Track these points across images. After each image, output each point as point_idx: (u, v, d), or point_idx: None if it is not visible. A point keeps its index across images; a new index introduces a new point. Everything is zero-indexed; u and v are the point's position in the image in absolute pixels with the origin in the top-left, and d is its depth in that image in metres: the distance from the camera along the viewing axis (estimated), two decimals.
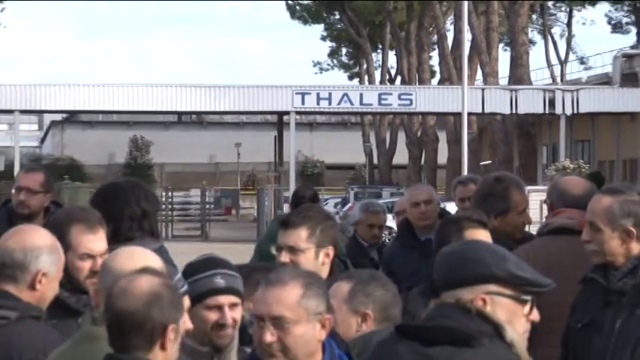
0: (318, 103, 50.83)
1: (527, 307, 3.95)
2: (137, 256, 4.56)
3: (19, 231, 5.13)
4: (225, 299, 4.97)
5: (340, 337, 4.70)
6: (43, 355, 4.63)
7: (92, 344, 4.39)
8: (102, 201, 6.63)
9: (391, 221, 13.74)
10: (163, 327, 4.16)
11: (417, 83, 60.35)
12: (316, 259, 5.95)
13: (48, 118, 73.83)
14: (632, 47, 56.41)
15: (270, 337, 4.02)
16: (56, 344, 4.61)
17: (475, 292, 4.01)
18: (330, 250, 6.13)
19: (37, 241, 4.95)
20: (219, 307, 4.95)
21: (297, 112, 51.96)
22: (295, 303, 4.06)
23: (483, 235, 6.28)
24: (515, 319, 4.00)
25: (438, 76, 62.38)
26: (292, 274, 4.14)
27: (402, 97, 51.64)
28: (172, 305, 4.22)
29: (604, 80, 54.10)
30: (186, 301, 4.37)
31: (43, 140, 79.32)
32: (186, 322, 4.22)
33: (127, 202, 6.53)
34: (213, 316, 5.00)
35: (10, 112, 49.23)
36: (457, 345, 4.04)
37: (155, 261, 4.50)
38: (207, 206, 57.32)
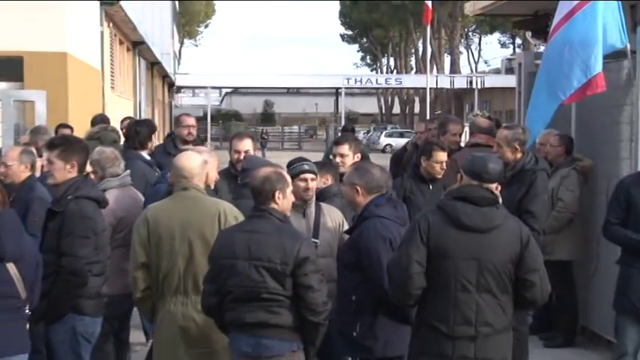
0: (355, 83, 76.63)
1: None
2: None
3: (192, 150, 7.50)
4: (308, 175, 7.26)
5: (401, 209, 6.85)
6: None
7: (184, 197, 6.73)
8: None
9: None
10: (272, 192, 6.13)
11: (405, 72, 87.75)
12: (352, 160, 8.64)
13: (224, 91, 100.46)
14: (511, 55, 77.10)
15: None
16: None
17: (493, 185, 6.02)
18: (359, 156, 8.86)
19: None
20: (305, 180, 7.22)
21: (345, 88, 74.94)
22: (346, 176, 6.85)
23: (443, 153, 9.22)
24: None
25: (414, 69, 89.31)
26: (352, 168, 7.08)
27: (397, 79, 79.53)
28: (277, 181, 6.19)
29: (497, 71, 77.55)
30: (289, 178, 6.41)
31: (221, 102, 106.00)
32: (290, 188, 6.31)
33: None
34: (302, 184, 7.20)
35: (205, 87, 77.96)
36: (494, 205, 5.95)
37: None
38: (301, 134, 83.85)
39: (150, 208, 6.80)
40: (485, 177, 5.97)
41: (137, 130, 10.54)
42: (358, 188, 6.63)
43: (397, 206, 6.77)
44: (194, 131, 11.02)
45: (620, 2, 9.77)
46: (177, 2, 64.82)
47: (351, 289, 6.34)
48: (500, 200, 6.09)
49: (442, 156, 9.19)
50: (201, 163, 6.79)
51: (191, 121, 11.15)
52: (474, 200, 5.93)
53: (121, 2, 25.98)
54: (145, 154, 10.29)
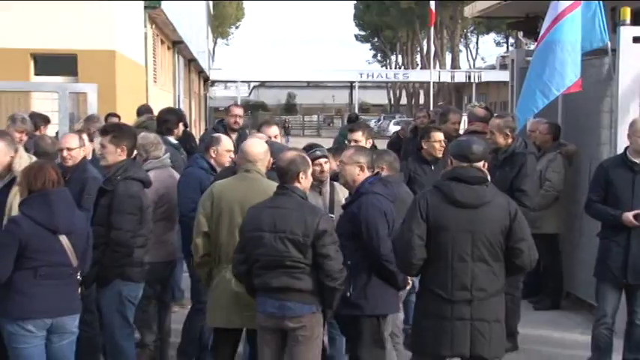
0: (367, 77, 77.57)
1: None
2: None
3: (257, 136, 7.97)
4: (321, 160, 7.39)
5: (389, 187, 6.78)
6: None
7: (246, 178, 6.76)
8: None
9: None
10: (297, 173, 6.20)
11: (411, 68, 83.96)
12: (365, 145, 8.44)
13: (252, 84, 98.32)
14: (505, 52, 74.40)
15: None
16: None
17: (482, 162, 6.09)
18: (370, 142, 8.93)
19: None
20: (320, 164, 7.34)
21: (359, 82, 76.12)
22: (349, 157, 6.70)
23: (439, 133, 9.43)
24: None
25: (419, 65, 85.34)
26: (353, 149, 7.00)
27: (404, 74, 78.32)
28: (301, 163, 6.24)
29: (492, 67, 74.91)
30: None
31: (249, 94, 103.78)
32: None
33: None
34: (318, 168, 7.26)
35: (235, 81, 76.81)
36: (483, 184, 6.00)
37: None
38: (319, 122, 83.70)
39: (215, 185, 6.82)
40: (472, 157, 6.02)
41: (166, 118, 10.56)
42: (363, 165, 6.61)
43: (387, 185, 6.78)
44: (240, 120, 11.09)
45: (602, 4, 9.71)
46: (211, 6, 64.37)
47: (347, 255, 6.32)
48: (489, 178, 6.13)
49: (439, 135, 9.30)
50: (265, 150, 6.80)
51: (238, 111, 11.26)
52: (466, 180, 5.97)
53: (162, 6, 26.24)
54: (172, 138, 10.26)
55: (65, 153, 7.93)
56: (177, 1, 30.54)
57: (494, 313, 5.97)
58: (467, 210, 5.93)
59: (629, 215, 7.75)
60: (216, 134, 8.80)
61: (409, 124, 14.21)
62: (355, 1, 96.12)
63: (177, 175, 8.50)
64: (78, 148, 8.01)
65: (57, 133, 11.42)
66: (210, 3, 62.78)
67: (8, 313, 6.06)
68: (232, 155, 7.99)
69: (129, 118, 13.75)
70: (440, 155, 9.30)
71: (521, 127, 9.99)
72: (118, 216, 6.87)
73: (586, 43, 9.63)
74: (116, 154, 7.08)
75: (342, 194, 7.27)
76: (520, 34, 19.58)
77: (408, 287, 7.14)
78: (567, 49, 9.69)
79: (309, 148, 7.30)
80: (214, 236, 6.65)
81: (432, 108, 21.00)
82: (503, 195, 6.19)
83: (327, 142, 8.83)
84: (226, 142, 8.25)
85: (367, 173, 6.65)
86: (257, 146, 6.82)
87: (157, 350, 8.47)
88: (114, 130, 7.33)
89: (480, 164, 6.08)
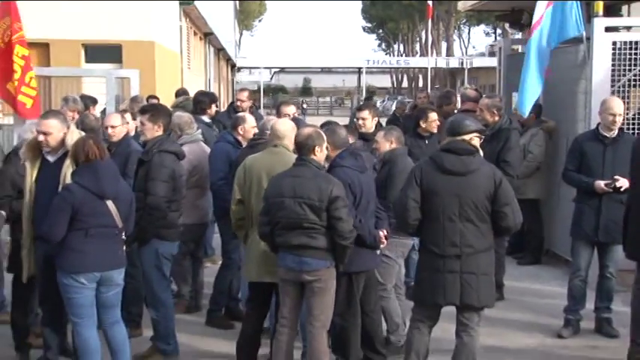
0: (373, 64, 75.31)
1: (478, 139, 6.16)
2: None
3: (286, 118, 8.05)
4: None
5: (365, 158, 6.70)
6: None
7: (274, 152, 6.66)
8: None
9: None
10: (313, 147, 6.16)
11: (411, 56, 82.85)
12: (371, 123, 8.59)
13: (273, 70, 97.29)
14: (493, 42, 71.70)
15: None
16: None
17: (470, 136, 6.10)
18: (376, 119, 8.79)
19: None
20: None
21: (366, 67, 73.50)
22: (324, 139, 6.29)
23: (434, 113, 9.39)
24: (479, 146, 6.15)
25: (418, 53, 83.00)
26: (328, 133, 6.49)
27: (405, 61, 77.36)
28: (316, 138, 6.20)
29: (482, 54, 72.15)
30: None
31: (271, 79, 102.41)
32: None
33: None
34: None
35: (258, 67, 73.17)
36: (471, 155, 6.01)
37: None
38: (332, 103, 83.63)
39: (248, 159, 6.76)
40: (461, 131, 6.03)
41: (200, 99, 10.59)
42: (328, 145, 6.43)
43: (357, 157, 6.64)
44: (244, 104, 10.93)
45: None
46: (237, 3, 64.01)
47: None
48: (482, 153, 6.11)
49: (434, 115, 9.28)
50: (291, 128, 6.68)
51: (242, 96, 11.19)
52: (456, 151, 5.98)
53: (195, 3, 26.35)
54: (205, 117, 10.25)
55: (110, 130, 7.91)
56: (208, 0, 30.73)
57: (482, 268, 5.95)
58: (455, 177, 5.94)
59: (600, 183, 7.76)
60: (241, 114, 8.78)
61: (407, 104, 14.16)
62: None
63: (208, 149, 8.52)
64: (120, 126, 7.98)
65: (102, 112, 11.50)
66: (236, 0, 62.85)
67: (63, 267, 6.11)
68: (256, 130, 7.95)
69: (166, 99, 13.85)
70: (435, 131, 9.27)
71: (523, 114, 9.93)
72: (152, 183, 6.87)
73: (564, 33, 9.55)
74: (153, 130, 7.08)
75: None
76: (507, 26, 19.49)
77: (408, 246, 7.17)
78: (548, 41, 9.63)
79: (323, 126, 7.17)
80: (247, 202, 6.62)
81: (429, 90, 20.91)
82: (490, 165, 6.17)
83: (339, 120, 8.73)
84: (251, 120, 8.24)
85: (335, 150, 6.51)
86: (284, 125, 6.76)
87: (192, 300, 8.59)
88: (151, 109, 7.33)
89: (469, 136, 6.06)
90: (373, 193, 6.61)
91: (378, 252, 6.75)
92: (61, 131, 6.47)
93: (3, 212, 6.57)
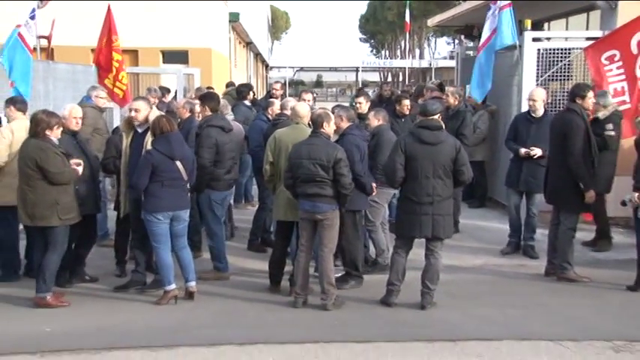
0: (367, 64, 72.86)
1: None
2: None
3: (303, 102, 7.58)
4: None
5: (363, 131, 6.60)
6: None
7: (296, 127, 6.50)
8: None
9: None
10: (322, 122, 6.00)
11: (394, 59, 78.49)
12: (366, 106, 8.26)
13: (295, 69, 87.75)
14: (453, 49, 64.85)
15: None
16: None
17: (437, 116, 5.94)
18: (369, 103, 8.47)
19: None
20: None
21: (362, 67, 71.77)
22: (337, 114, 6.33)
23: (407, 100, 9.22)
24: None
25: (399, 57, 78.75)
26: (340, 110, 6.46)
27: (389, 63, 73.43)
28: (325, 116, 6.04)
29: (445, 58, 66.78)
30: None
31: (294, 75, 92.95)
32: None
33: None
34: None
35: (285, 67, 69.77)
36: (440, 130, 5.89)
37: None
38: (337, 92, 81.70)
39: (277, 132, 6.58)
40: (430, 112, 5.93)
41: (242, 89, 10.64)
42: (343, 117, 6.40)
43: (361, 129, 6.64)
44: (277, 92, 10.81)
45: (513, 15, 9.29)
46: (270, 20, 63.54)
47: None
48: (444, 127, 6.02)
49: (407, 102, 9.17)
50: (307, 111, 6.53)
51: (276, 85, 11.16)
52: (429, 127, 5.89)
53: (240, 20, 26.19)
54: (246, 102, 10.21)
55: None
56: (249, 18, 30.53)
57: (446, 210, 5.89)
58: (429, 146, 5.84)
59: (522, 150, 7.74)
60: (271, 99, 8.67)
61: (375, 93, 13.74)
62: (359, 17, 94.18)
63: (241, 127, 8.44)
64: (182, 109, 7.72)
65: (173, 97, 11.38)
66: (269, 18, 62.17)
67: (146, 208, 6.06)
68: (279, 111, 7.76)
69: (219, 89, 13.80)
70: (407, 113, 9.15)
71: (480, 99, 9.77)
72: (200, 149, 6.72)
73: (503, 41, 9.37)
74: (204, 111, 6.96)
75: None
76: (462, 37, 19.23)
77: (391, 194, 7.05)
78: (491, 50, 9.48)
79: (337, 106, 6.99)
80: (276, 163, 6.50)
81: (407, 83, 20.54)
82: (452, 137, 6.09)
83: (342, 104, 8.61)
84: (277, 104, 8.10)
85: (346, 122, 6.46)
86: (303, 107, 6.62)
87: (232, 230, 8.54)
88: (202, 98, 7.21)
89: (437, 116, 5.97)
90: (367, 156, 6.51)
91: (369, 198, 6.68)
92: (146, 110, 6.44)
93: (79, 169, 6.12)
